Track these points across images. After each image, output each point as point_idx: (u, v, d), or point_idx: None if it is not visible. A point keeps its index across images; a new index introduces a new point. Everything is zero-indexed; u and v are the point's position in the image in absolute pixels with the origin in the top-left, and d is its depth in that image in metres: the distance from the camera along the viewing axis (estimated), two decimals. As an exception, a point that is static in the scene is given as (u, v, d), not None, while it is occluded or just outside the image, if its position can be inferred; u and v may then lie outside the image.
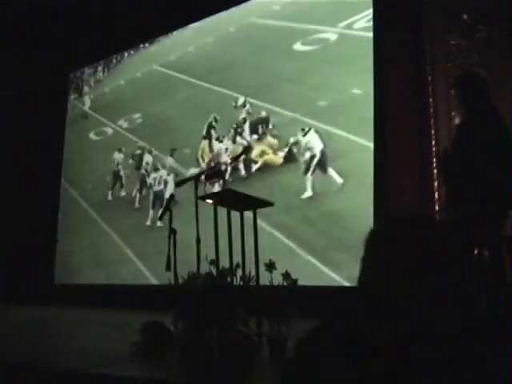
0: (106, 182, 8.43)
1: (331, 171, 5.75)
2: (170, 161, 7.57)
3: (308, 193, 5.88)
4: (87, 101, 9.27)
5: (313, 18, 6.47)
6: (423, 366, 1.24)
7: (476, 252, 2.80)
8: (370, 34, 5.76)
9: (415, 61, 5.31)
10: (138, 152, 8.06)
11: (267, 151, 6.45)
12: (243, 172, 6.59)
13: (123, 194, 8.03)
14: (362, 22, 5.93)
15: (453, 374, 1.24)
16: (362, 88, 5.72)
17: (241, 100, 6.86)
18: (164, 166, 7.62)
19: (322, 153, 5.87)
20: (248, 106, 6.77)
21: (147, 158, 7.93)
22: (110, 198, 8.18)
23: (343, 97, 5.91)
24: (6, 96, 8.97)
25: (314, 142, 5.98)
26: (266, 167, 6.44)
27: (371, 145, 5.45)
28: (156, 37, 8.31)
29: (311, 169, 5.92)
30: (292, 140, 6.17)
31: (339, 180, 5.66)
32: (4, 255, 8.48)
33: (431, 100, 5.13)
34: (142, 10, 7.54)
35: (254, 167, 6.51)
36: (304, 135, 6.05)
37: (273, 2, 7.01)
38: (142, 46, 8.64)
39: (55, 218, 8.99)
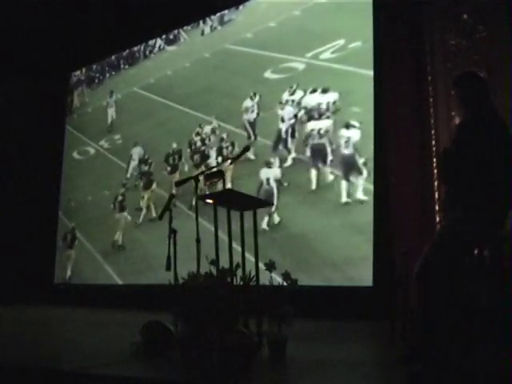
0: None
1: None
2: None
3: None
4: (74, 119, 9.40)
5: (283, 47, 6.63)
6: None
7: (476, 252, 2.80)
8: (335, 66, 6.04)
9: (415, 61, 5.31)
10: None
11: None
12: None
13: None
14: (328, 54, 6.15)
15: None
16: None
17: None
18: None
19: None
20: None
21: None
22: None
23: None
24: (6, 96, 8.98)
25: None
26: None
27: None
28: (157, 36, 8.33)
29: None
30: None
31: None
32: (4, 255, 8.48)
33: (431, 100, 5.13)
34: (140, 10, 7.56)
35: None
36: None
37: (246, 29, 7.13)
38: (122, 66, 8.73)
39: (55, 218, 8.99)
